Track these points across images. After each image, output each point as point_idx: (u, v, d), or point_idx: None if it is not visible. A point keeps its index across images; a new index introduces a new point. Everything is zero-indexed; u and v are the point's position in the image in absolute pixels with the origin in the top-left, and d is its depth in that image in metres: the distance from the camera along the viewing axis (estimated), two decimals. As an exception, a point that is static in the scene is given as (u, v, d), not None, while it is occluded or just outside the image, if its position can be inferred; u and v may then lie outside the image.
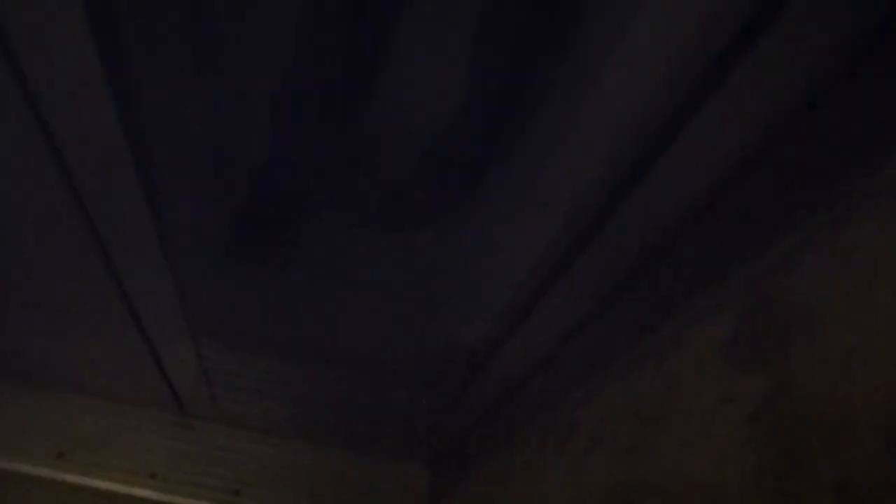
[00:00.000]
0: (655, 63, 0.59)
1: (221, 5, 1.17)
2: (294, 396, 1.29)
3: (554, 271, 0.85)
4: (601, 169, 0.71)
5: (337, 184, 1.30)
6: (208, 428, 1.31)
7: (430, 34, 1.13)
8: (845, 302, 0.51)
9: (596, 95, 0.75)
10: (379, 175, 1.32)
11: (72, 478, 1.24)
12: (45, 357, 1.17)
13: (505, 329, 1.02)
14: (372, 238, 1.31)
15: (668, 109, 0.58)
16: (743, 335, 0.65)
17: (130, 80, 0.74)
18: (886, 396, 0.45)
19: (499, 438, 1.17)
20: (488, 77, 1.14)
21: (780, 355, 0.57)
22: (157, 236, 0.95)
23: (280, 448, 1.34)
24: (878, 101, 0.50)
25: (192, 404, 1.27)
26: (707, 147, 0.59)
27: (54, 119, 0.68)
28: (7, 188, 0.79)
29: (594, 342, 0.88)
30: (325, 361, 1.26)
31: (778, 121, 0.54)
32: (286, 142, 1.19)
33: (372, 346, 1.26)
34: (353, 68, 1.11)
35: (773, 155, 0.56)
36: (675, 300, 0.74)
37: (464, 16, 1.08)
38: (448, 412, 1.27)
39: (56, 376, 1.21)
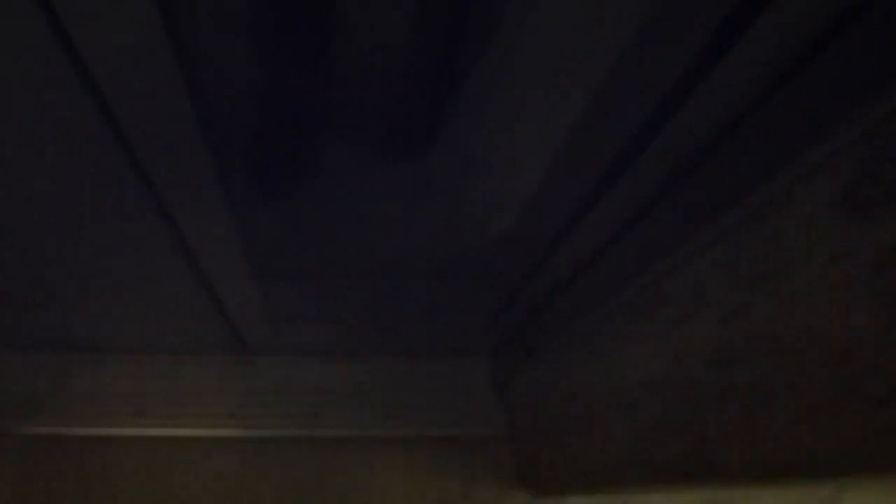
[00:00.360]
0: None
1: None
2: (352, 316, 1.30)
3: (620, 135, 0.83)
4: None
5: (341, 112, 1.24)
6: (275, 362, 1.32)
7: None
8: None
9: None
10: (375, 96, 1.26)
11: (153, 431, 1.25)
12: (112, 322, 1.14)
13: (568, 212, 1.02)
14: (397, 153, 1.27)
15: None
16: (857, 188, 0.65)
17: (182, 25, 0.68)
18: None
19: (567, 321, 1.20)
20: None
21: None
22: (214, 178, 0.91)
23: (347, 367, 1.36)
24: None
25: (257, 342, 1.28)
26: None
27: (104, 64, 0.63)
28: (61, 151, 0.74)
29: (675, 212, 0.89)
30: (379, 276, 1.25)
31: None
32: (279, 66, 1.13)
33: (424, 252, 1.25)
34: None
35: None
36: (775, 158, 0.73)
37: None
38: (507, 302, 1.30)
39: (125, 340, 1.19)
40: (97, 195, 0.82)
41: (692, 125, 0.79)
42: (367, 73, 1.27)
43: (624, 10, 0.81)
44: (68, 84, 0.64)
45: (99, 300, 1.06)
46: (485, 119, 1.31)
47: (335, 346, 1.36)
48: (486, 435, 1.37)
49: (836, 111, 0.66)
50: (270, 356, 1.33)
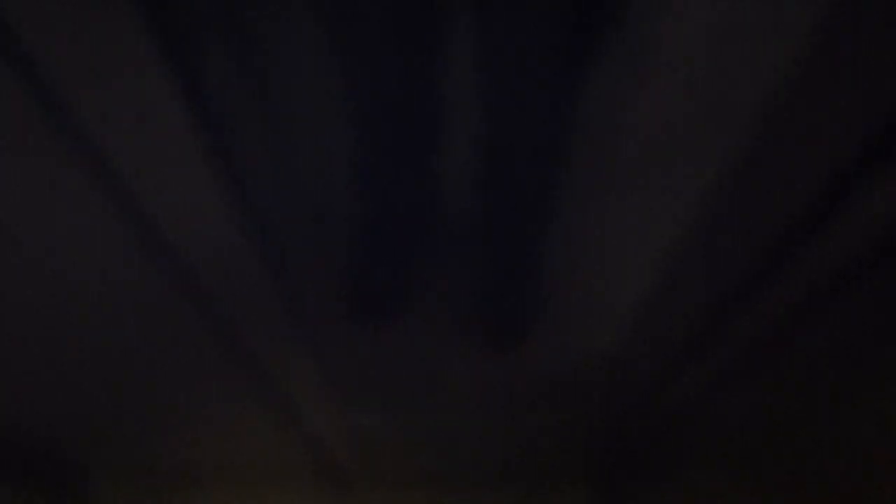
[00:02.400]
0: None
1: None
2: (442, 444, 1.25)
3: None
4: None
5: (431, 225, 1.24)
6: (364, 490, 1.29)
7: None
8: None
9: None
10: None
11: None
12: (204, 453, 1.17)
13: (680, 335, 0.92)
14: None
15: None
16: None
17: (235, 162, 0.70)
18: None
19: (677, 450, 1.08)
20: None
21: None
22: (285, 309, 0.92)
23: (440, 497, 1.30)
24: None
25: (344, 470, 1.25)
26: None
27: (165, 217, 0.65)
28: (127, 297, 0.77)
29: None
30: (470, 403, 1.20)
31: None
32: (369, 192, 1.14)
33: (522, 375, 1.19)
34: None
35: None
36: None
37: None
38: (613, 426, 1.20)
39: (217, 470, 1.20)
40: (177, 344, 0.85)
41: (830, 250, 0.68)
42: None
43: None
44: (143, 248, 0.66)
45: (190, 433, 1.09)
46: (590, 237, 1.27)
47: (425, 475, 1.30)
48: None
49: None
50: (360, 484, 1.29)
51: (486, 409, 1.20)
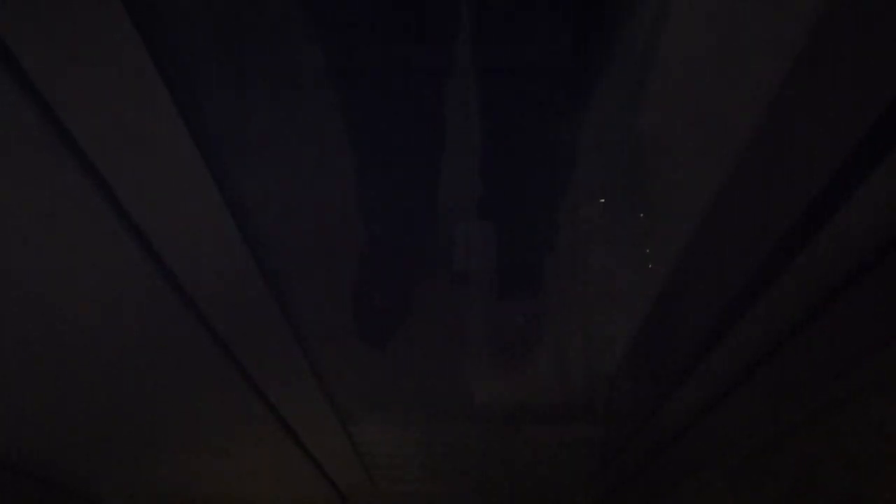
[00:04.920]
0: None
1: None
2: (450, 463, 1.24)
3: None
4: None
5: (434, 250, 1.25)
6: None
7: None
8: None
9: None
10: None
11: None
12: (214, 484, 1.17)
13: (681, 357, 0.92)
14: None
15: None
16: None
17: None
18: None
19: (677, 474, 1.07)
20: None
21: None
22: (291, 332, 0.93)
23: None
24: None
25: (353, 493, 1.24)
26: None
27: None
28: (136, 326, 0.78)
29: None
30: (478, 421, 1.20)
31: None
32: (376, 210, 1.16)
33: (529, 396, 1.19)
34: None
35: None
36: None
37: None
38: (617, 449, 1.19)
39: (215, 494, 1.21)
40: (178, 367, 0.86)
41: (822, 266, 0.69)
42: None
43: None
44: (144, 270, 0.67)
45: (199, 463, 1.10)
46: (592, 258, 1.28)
47: (434, 496, 1.29)
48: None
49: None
50: (366, 502, 1.29)
51: (487, 429, 1.20)
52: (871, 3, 0.45)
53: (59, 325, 0.73)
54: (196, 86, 0.63)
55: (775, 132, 0.65)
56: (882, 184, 0.52)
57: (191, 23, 1.03)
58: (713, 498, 0.95)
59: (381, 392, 1.21)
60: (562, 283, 1.25)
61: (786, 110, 0.61)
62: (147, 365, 0.85)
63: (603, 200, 1.27)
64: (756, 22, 1.14)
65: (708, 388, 0.91)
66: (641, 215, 1.25)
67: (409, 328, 1.24)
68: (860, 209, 0.57)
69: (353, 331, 1.22)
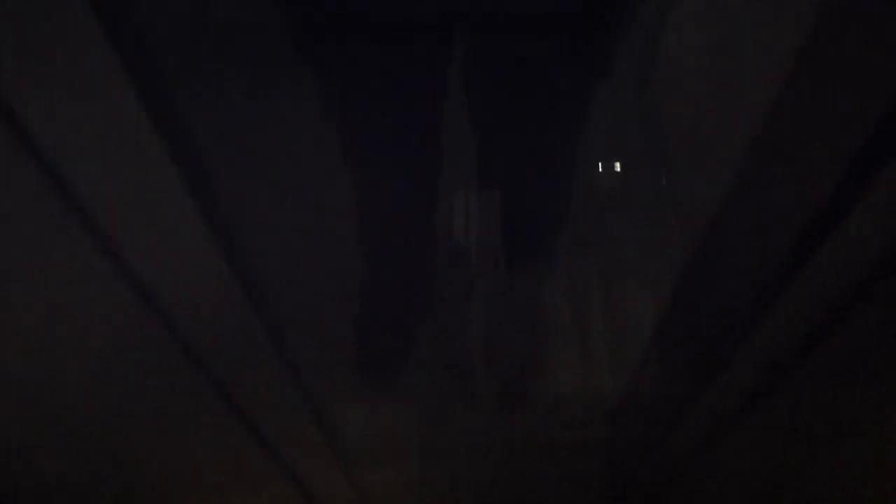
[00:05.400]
0: None
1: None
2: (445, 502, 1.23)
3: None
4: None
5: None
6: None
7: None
8: None
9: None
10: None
11: None
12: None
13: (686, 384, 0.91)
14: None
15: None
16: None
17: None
18: None
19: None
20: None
21: None
22: (287, 373, 0.92)
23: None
24: None
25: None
26: None
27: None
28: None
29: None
30: (473, 461, 1.19)
31: None
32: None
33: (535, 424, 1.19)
34: None
35: None
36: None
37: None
38: (612, 484, 1.17)
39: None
40: (177, 411, 0.85)
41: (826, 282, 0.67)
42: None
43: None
44: (142, 318, 0.67)
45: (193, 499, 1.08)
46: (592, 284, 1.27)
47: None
48: None
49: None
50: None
51: (489, 467, 1.18)
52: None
53: (55, 370, 0.72)
54: (192, 128, 0.63)
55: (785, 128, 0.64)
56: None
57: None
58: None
59: (379, 435, 1.19)
60: (561, 317, 1.24)
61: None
62: (142, 403, 0.84)
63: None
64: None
65: (713, 422, 0.90)
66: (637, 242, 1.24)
67: (409, 371, 1.23)
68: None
69: (355, 373, 1.21)
